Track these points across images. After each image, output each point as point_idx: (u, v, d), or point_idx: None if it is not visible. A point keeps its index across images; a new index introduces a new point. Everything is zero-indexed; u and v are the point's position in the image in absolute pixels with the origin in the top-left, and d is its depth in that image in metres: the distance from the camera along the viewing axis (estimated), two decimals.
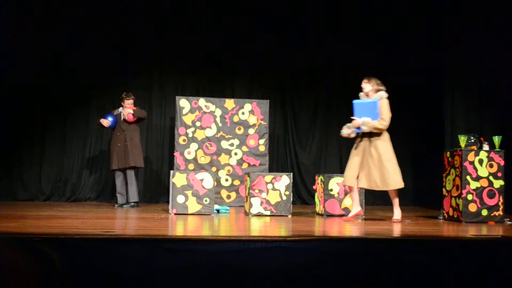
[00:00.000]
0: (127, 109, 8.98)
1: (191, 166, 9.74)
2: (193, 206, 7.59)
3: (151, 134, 10.53)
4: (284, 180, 7.71)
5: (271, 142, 10.37)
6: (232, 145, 9.95)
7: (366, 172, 7.03)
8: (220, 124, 9.93)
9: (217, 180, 9.65)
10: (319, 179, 8.25)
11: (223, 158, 9.90)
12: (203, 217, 7.19)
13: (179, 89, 10.58)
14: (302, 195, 10.68)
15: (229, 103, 10.00)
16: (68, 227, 5.38)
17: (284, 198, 7.69)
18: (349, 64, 10.88)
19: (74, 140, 10.29)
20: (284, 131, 10.91)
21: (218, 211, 8.13)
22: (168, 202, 8.48)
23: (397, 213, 7.14)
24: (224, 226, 6.39)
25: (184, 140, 9.82)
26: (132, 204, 8.94)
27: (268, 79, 10.83)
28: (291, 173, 8.05)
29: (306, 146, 10.94)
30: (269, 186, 7.65)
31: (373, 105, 7.00)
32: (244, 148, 9.95)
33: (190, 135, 9.85)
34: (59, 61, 10.17)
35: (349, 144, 10.96)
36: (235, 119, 9.98)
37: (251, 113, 10.01)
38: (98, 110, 10.11)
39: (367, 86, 7.21)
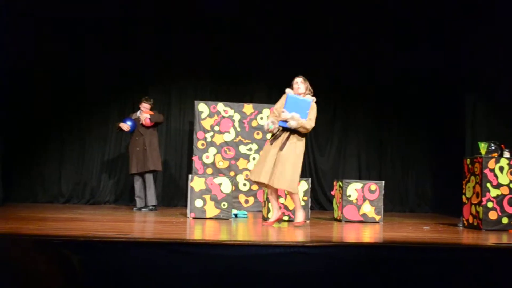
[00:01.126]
0: (144, 114, 9.03)
1: (209, 171, 9.76)
2: (211, 210, 7.60)
3: (169, 138, 10.58)
4: (302, 186, 7.69)
5: None
6: (250, 150, 9.96)
7: (269, 166, 6.64)
8: (238, 129, 9.95)
9: (235, 184, 9.66)
10: (337, 184, 8.23)
11: (242, 163, 9.91)
12: (221, 222, 7.20)
13: (198, 93, 10.62)
14: (320, 201, 10.66)
15: (248, 107, 10.02)
16: (87, 230, 5.42)
17: (302, 203, 7.68)
18: (368, 67, 10.86)
19: (93, 143, 10.39)
20: None
21: (236, 215, 8.14)
22: (186, 206, 8.50)
23: (299, 215, 6.78)
24: (242, 231, 6.39)
25: (202, 145, 9.85)
26: (150, 207, 8.99)
27: (287, 84, 10.78)
28: (309, 179, 8.04)
29: (324, 151, 10.92)
30: None
31: (306, 104, 6.72)
32: None
33: (209, 139, 9.88)
34: (78, 63, 10.26)
35: (369, 148, 10.96)
36: (254, 124, 10.00)
37: None
38: (118, 113, 10.18)
39: (302, 86, 6.92)
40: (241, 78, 10.75)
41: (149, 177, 9.06)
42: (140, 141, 9.07)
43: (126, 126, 9.08)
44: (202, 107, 9.91)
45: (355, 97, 10.92)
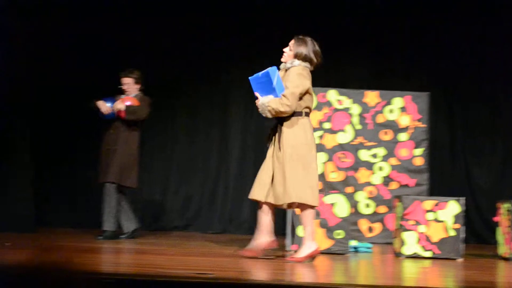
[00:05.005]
0: (119, 104, 8.52)
1: None
2: (321, 241, 7.61)
3: (255, 139, 10.59)
4: (452, 208, 7.62)
5: (431, 153, 10.21)
6: (375, 156, 9.93)
7: (267, 176, 6.60)
8: (358, 126, 9.94)
9: (354, 205, 9.65)
10: (503, 207, 8.07)
11: (363, 175, 9.90)
12: (335, 258, 7.22)
13: None
14: (477, 230, 10.49)
15: (372, 96, 9.99)
16: (151, 266, 5.57)
17: (452, 233, 7.59)
18: None
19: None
20: (450, 137, 10.74)
21: (356, 249, 8.17)
22: (284, 234, 8.59)
23: (307, 246, 6.54)
24: (364, 271, 6.41)
25: None
26: (127, 234, 8.72)
27: (430, 62, 10.69)
28: (463, 198, 7.93)
29: (483, 159, 10.74)
30: (430, 215, 7.57)
31: (269, 76, 6.51)
32: (393, 161, 9.89)
33: (316, 141, 9.90)
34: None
35: None
36: (380, 119, 9.95)
37: (403, 110, 9.93)
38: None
39: (285, 55, 6.86)
40: (362, 53, 10.75)
41: (121, 195, 8.72)
42: (112, 137, 8.69)
43: (105, 106, 8.54)
44: None
45: None
